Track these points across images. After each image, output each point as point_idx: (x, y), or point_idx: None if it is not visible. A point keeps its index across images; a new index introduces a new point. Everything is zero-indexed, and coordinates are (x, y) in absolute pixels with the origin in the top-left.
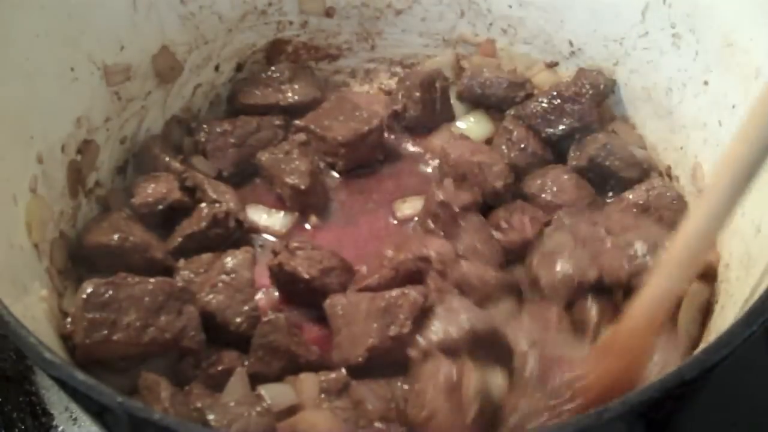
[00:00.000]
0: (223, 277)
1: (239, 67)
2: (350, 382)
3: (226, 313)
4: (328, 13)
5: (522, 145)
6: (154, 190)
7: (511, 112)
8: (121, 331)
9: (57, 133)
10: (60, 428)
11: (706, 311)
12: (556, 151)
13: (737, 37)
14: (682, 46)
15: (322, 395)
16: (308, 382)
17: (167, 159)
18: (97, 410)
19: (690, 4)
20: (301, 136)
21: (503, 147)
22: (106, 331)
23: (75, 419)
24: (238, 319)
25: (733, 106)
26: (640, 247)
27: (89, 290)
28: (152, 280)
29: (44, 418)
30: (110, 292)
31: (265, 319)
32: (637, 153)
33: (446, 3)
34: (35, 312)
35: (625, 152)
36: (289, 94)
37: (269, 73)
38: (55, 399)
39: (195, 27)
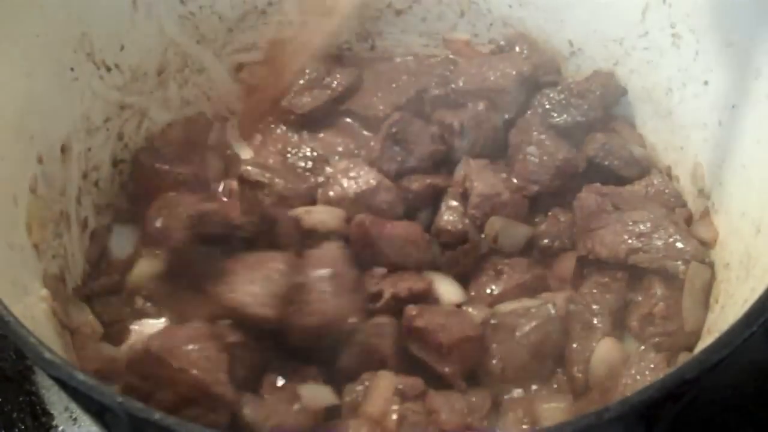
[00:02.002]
0: (325, 286)
1: None
2: (428, 390)
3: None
4: None
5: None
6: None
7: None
8: (152, 402)
9: (57, 133)
10: (60, 428)
11: (708, 290)
12: None
13: (737, 37)
14: (682, 46)
15: (395, 397)
16: (384, 380)
17: (164, 166)
18: (97, 410)
19: (690, 4)
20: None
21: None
22: (138, 397)
23: (75, 419)
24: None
25: (733, 106)
26: (643, 226)
27: (136, 352)
28: (194, 371)
29: (44, 418)
30: (153, 366)
31: (376, 320)
32: (635, 152)
33: (446, 3)
34: (35, 312)
35: (624, 151)
36: (334, 85)
37: (306, 75)
38: (55, 399)
39: (195, 27)
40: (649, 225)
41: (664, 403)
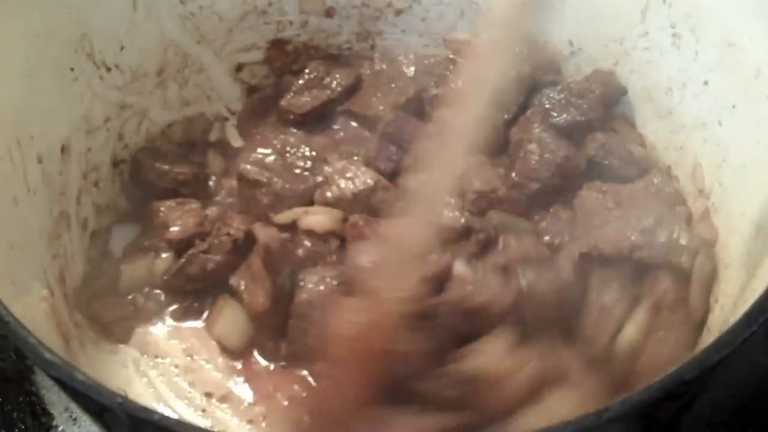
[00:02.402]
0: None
1: None
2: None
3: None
4: (328, 13)
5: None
6: (183, 221)
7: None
8: None
9: (57, 133)
10: (60, 428)
11: (710, 282)
12: None
13: (737, 37)
14: (682, 46)
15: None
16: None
17: (164, 166)
18: (97, 410)
19: (690, 4)
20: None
21: None
22: None
23: (75, 419)
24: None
25: (733, 106)
26: (646, 222)
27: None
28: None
29: (44, 418)
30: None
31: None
32: (635, 151)
33: (446, 3)
34: (35, 312)
35: (623, 151)
36: (334, 85)
37: (306, 75)
38: (55, 399)
39: (195, 27)
40: (651, 221)
41: (664, 403)
